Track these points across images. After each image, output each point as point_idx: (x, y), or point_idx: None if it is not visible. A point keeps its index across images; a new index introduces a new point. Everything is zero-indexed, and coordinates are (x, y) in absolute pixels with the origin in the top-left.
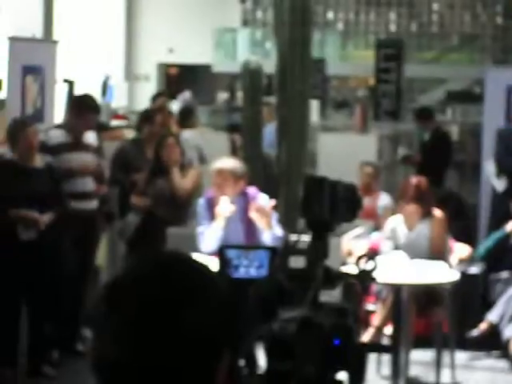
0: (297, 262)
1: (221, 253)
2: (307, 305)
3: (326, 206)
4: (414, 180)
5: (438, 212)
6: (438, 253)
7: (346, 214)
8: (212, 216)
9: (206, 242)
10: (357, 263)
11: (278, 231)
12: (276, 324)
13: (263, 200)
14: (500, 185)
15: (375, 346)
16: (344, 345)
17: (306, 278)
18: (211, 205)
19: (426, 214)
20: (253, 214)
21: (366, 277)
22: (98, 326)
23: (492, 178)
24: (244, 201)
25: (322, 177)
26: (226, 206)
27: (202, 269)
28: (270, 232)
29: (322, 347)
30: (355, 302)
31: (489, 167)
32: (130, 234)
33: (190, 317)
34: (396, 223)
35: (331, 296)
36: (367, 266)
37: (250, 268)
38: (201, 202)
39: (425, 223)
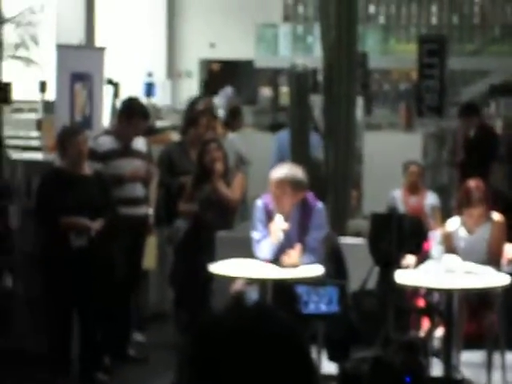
0: (369, 303)
1: (290, 289)
2: (379, 344)
3: (394, 243)
4: (474, 183)
5: (497, 215)
6: (495, 257)
7: (412, 247)
8: (268, 220)
9: (262, 251)
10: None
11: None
12: (348, 363)
13: (319, 205)
14: None
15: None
16: (415, 381)
17: (378, 319)
18: (267, 210)
19: (487, 218)
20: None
21: (433, 311)
22: (185, 366)
23: None
24: (303, 207)
25: (388, 213)
26: (280, 224)
27: (291, 331)
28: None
29: None
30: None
31: None
32: (179, 239)
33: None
34: (454, 226)
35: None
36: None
37: (320, 304)
38: (258, 204)
39: (485, 227)
